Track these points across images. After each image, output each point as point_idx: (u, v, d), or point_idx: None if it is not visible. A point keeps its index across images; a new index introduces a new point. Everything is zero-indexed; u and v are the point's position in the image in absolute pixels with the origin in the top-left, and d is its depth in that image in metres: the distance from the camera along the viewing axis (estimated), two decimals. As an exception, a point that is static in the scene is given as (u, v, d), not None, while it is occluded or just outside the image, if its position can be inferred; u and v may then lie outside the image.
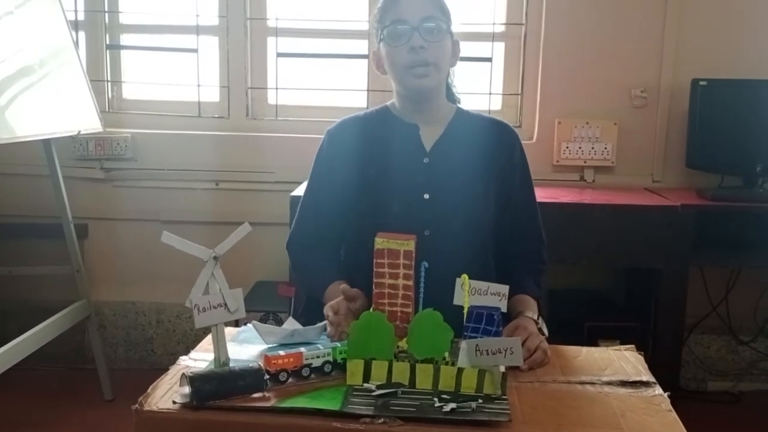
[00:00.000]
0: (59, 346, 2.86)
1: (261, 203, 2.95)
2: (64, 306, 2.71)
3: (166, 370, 1.27)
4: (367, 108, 1.80)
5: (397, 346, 1.26)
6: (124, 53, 3.14)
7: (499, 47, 3.03)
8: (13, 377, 2.34)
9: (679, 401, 1.22)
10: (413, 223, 1.49)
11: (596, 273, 3.04)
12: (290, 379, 1.21)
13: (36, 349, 2.47)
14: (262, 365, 1.20)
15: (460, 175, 1.63)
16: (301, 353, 1.23)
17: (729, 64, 2.84)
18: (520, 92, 3.01)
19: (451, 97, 1.75)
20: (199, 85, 3.07)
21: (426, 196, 1.61)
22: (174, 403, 1.13)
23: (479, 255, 1.64)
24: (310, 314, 1.63)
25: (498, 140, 1.69)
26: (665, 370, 2.48)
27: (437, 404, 1.14)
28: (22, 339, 2.40)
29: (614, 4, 2.89)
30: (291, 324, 1.40)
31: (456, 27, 1.64)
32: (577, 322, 2.63)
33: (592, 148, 2.92)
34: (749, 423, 2.79)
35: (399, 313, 1.32)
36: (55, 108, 2.55)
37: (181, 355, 1.35)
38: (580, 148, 2.93)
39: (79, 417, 2.68)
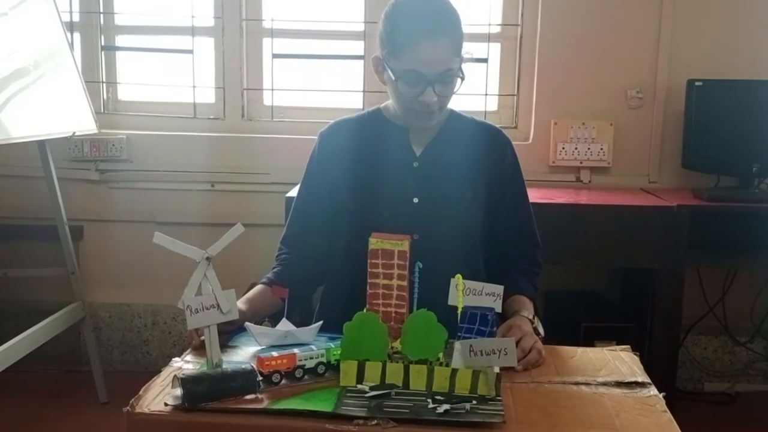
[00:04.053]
0: (54, 348, 2.86)
1: (256, 204, 2.94)
2: (59, 308, 2.70)
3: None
4: (363, 109, 1.80)
5: (391, 347, 1.26)
6: (119, 54, 3.13)
7: (495, 48, 3.02)
8: (7, 379, 2.34)
9: (675, 402, 1.22)
10: (402, 226, 1.46)
11: (592, 273, 3.04)
12: (283, 381, 1.20)
13: (31, 350, 2.46)
14: (254, 367, 1.19)
15: (450, 180, 1.62)
16: (294, 354, 1.22)
17: (725, 65, 2.84)
18: (516, 93, 3.01)
19: None
20: (194, 87, 3.06)
21: (415, 200, 1.61)
22: (166, 405, 1.12)
23: (469, 259, 1.63)
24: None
25: (488, 145, 1.68)
26: (662, 370, 2.47)
27: (431, 405, 1.13)
28: (16, 341, 2.39)
29: (610, 5, 2.89)
30: (285, 325, 1.40)
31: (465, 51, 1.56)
32: (573, 323, 2.63)
33: (588, 148, 2.92)
34: (746, 424, 2.79)
35: (393, 314, 1.31)
36: (50, 109, 2.55)
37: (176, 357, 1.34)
38: (576, 148, 2.92)
39: (74, 419, 2.67)
